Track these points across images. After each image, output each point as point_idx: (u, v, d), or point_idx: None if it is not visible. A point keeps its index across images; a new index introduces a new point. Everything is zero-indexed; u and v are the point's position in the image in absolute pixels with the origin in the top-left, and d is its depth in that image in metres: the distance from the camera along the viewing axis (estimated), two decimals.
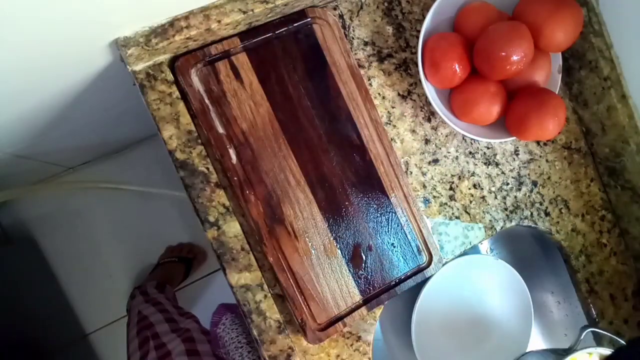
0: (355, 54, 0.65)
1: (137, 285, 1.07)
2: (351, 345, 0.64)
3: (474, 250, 0.72)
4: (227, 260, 0.58)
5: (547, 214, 0.74)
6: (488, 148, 0.71)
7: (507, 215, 0.71)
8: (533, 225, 0.73)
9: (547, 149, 0.74)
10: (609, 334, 0.67)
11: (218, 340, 0.72)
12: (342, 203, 0.61)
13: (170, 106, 0.56)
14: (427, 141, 0.68)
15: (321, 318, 0.60)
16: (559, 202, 0.74)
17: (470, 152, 0.70)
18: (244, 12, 0.54)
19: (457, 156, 0.69)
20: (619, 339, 0.67)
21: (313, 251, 0.60)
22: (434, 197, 0.68)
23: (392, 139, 0.66)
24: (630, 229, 0.77)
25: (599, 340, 0.76)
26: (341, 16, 0.65)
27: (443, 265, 0.66)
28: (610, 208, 0.78)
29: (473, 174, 0.70)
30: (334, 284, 0.61)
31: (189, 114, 0.57)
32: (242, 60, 0.58)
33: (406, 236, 0.64)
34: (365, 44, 0.65)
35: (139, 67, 0.55)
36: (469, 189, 0.70)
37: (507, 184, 0.72)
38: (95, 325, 1.29)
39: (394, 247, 0.63)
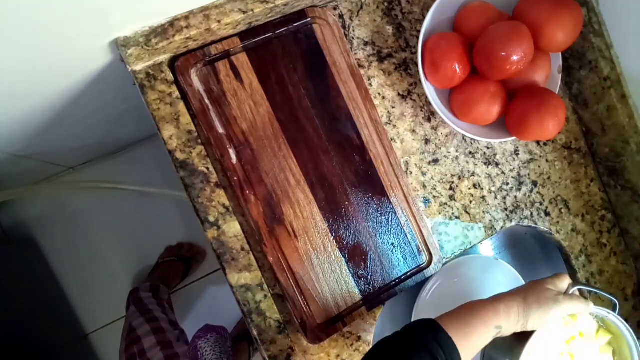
0: (355, 54, 0.65)
1: (133, 289, 1.08)
2: (351, 345, 0.64)
3: (474, 250, 0.72)
4: (227, 260, 0.58)
5: (547, 214, 0.74)
6: (488, 148, 0.71)
7: (507, 215, 0.71)
8: (533, 225, 0.73)
9: (547, 149, 0.74)
10: (590, 289, 0.59)
11: (197, 351, 0.76)
12: (342, 203, 0.61)
13: (170, 106, 0.56)
14: (427, 141, 0.68)
15: (321, 318, 0.60)
16: (559, 202, 0.74)
17: (470, 152, 0.70)
18: (244, 12, 0.54)
19: (457, 156, 0.69)
20: (605, 293, 0.59)
21: (313, 251, 0.60)
22: (434, 197, 0.68)
23: (392, 139, 0.66)
24: (630, 229, 0.77)
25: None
26: (341, 16, 0.65)
27: (443, 265, 0.66)
28: (610, 208, 0.78)
29: (473, 174, 0.70)
30: (334, 284, 0.61)
31: (189, 114, 0.57)
32: (242, 60, 0.58)
33: (406, 236, 0.64)
34: (365, 44, 0.65)
35: (139, 67, 0.55)
36: (469, 189, 0.70)
37: (507, 184, 0.72)
38: (95, 325, 1.29)
39: (394, 247, 0.63)
